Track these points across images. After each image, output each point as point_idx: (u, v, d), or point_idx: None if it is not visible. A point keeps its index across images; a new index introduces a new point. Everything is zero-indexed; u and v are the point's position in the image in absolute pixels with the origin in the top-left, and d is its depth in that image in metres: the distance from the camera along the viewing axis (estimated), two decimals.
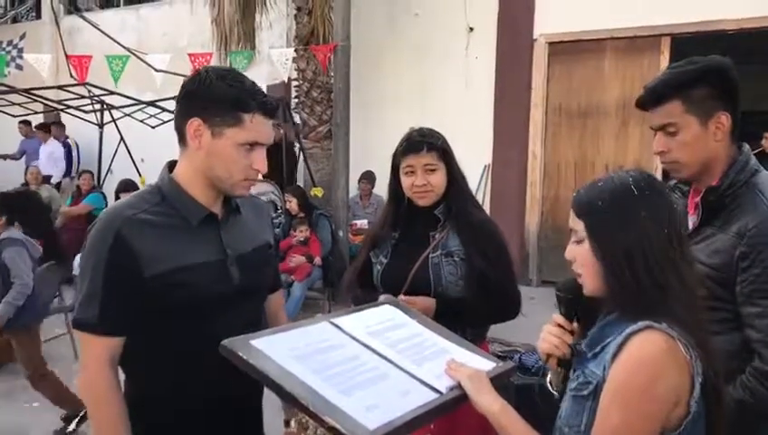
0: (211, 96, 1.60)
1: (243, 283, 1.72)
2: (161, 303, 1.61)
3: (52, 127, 10.89)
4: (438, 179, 2.34)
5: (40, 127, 10.75)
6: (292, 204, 6.72)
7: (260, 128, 1.64)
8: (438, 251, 2.34)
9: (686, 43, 7.14)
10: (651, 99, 1.86)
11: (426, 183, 2.32)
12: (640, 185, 1.39)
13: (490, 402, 1.46)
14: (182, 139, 1.67)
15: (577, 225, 1.43)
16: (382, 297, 2.12)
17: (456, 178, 2.38)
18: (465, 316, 2.26)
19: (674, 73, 1.83)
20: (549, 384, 1.60)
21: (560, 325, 1.55)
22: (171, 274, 1.61)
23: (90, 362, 1.63)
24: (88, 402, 1.65)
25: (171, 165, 1.75)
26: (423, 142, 2.34)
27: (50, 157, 10.47)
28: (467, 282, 2.30)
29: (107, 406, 1.62)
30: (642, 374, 1.29)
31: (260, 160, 1.66)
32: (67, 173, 10.74)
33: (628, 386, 1.30)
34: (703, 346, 1.33)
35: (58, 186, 10.14)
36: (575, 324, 1.56)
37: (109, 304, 1.59)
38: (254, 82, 1.68)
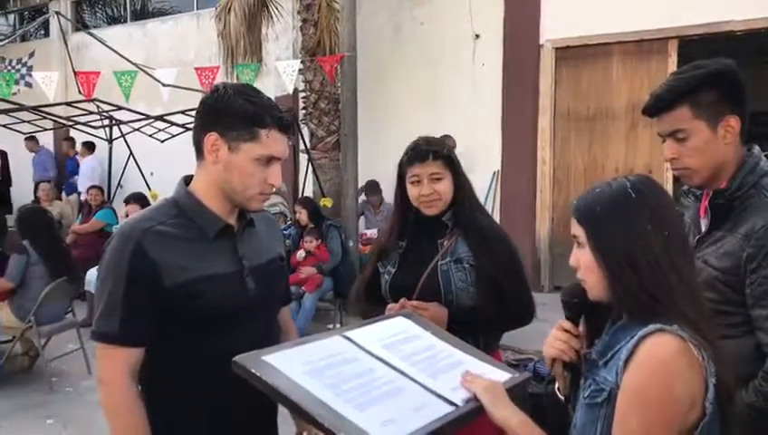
0: (228, 111, 1.64)
1: (258, 294, 1.74)
2: (179, 313, 1.64)
3: (64, 143, 11.05)
4: (445, 188, 2.32)
5: (86, 145, 10.92)
6: (303, 215, 6.72)
7: (276, 143, 1.67)
8: (447, 258, 2.31)
9: (694, 46, 7.11)
10: (658, 106, 1.83)
11: (432, 192, 2.30)
12: (638, 188, 1.39)
13: (508, 416, 1.44)
14: (199, 152, 1.71)
15: (578, 231, 1.44)
16: (398, 303, 2.12)
17: (462, 185, 2.36)
18: (478, 324, 2.24)
19: (680, 79, 1.81)
20: (557, 391, 1.59)
21: (566, 330, 1.55)
22: (190, 284, 1.63)
23: (109, 375, 1.64)
24: (109, 414, 1.65)
25: (187, 179, 1.78)
26: (428, 151, 2.32)
27: (93, 172, 10.59)
28: (479, 288, 2.28)
29: (129, 417, 1.63)
30: (659, 377, 1.28)
31: (275, 175, 1.70)
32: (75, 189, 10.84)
33: (645, 390, 1.28)
34: (713, 347, 1.31)
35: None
36: (581, 329, 1.55)
37: (129, 315, 1.61)
38: (270, 99, 1.72)
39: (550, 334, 1.57)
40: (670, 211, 1.41)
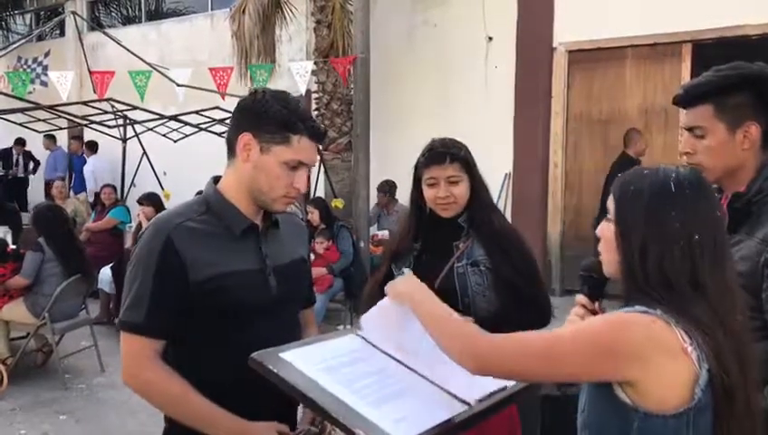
0: (265, 114, 1.70)
1: (280, 293, 1.78)
2: (203, 307, 1.68)
3: (73, 141, 11.18)
4: (462, 191, 2.31)
5: (88, 145, 11.18)
6: (314, 215, 6.74)
7: (305, 150, 1.72)
8: (464, 261, 2.31)
9: (709, 50, 7.09)
10: (685, 99, 1.86)
11: (449, 195, 2.30)
12: (682, 184, 1.33)
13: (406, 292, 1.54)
14: (231, 151, 1.77)
15: (611, 204, 1.41)
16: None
17: (478, 187, 2.36)
18: (503, 330, 2.20)
19: (712, 77, 1.81)
20: None
21: (582, 305, 1.54)
22: (215, 279, 1.68)
23: (135, 362, 1.68)
24: (157, 399, 1.69)
25: (216, 179, 1.85)
26: (446, 154, 2.31)
27: (95, 172, 10.84)
28: (496, 292, 2.27)
29: (171, 390, 1.66)
30: (608, 328, 1.28)
31: (302, 180, 1.74)
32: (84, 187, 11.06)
33: (591, 329, 1.30)
34: (717, 345, 1.27)
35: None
36: (597, 305, 1.54)
37: (156, 306, 1.66)
38: (305, 108, 1.78)
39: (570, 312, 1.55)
40: (709, 215, 1.34)
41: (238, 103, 1.79)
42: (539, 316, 2.32)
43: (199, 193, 1.94)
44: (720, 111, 1.78)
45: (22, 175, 12.36)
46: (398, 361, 1.58)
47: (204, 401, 1.64)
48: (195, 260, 1.67)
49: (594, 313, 1.52)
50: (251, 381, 1.59)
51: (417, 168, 2.39)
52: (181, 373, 1.68)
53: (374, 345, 1.62)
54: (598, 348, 1.27)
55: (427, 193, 2.34)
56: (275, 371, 1.39)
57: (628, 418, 1.29)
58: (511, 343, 1.35)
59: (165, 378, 1.67)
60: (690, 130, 1.84)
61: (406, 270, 2.08)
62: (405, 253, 2.42)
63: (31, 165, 12.50)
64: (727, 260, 1.38)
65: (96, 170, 10.85)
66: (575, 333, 1.32)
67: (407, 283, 1.62)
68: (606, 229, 1.41)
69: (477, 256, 2.31)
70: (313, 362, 1.44)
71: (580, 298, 1.56)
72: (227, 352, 1.68)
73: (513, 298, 2.26)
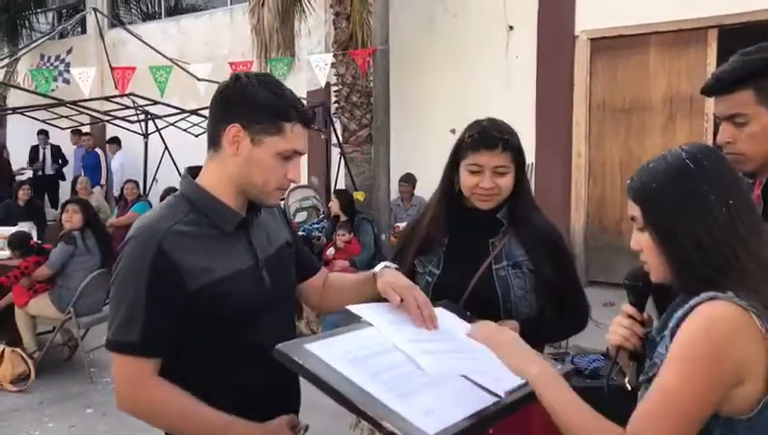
0: (253, 103, 1.57)
1: (273, 286, 1.69)
2: (201, 315, 1.56)
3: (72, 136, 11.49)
4: (508, 183, 2.04)
5: (111, 141, 11.41)
6: (334, 205, 6.74)
7: (299, 138, 1.61)
8: (504, 262, 2.07)
9: (734, 35, 6.94)
10: (720, 86, 1.76)
11: (494, 186, 2.02)
12: (697, 158, 1.30)
13: (524, 363, 1.41)
14: (215, 142, 1.62)
15: (635, 212, 1.35)
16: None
17: (522, 180, 2.09)
18: (544, 335, 2.08)
19: (747, 61, 1.73)
20: (626, 384, 1.50)
21: (630, 316, 1.48)
22: (214, 285, 1.56)
23: (133, 384, 1.55)
24: (164, 420, 1.58)
25: (191, 171, 1.70)
26: (499, 139, 2.02)
27: (121, 167, 11.06)
28: (538, 296, 2.07)
29: (178, 405, 1.54)
30: (706, 335, 1.20)
31: (295, 170, 1.65)
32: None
33: (690, 349, 1.22)
34: None
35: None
36: (646, 315, 1.48)
37: (151, 323, 1.52)
38: (292, 91, 1.66)
39: (613, 322, 1.49)
40: (733, 178, 1.32)
41: (219, 90, 1.63)
42: (580, 321, 2.19)
43: (169, 190, 1.82)
44: (761, 95, 1.70)
45: (51, 172, 12.45)
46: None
47: (213, 411, 1.53)
48: (190, 267, 1.53)
49: (643, 322, 1.48)
50: (256, 382, 1.58)
51: (458, 149, 2.09)
52: (182, 386, 1.55)
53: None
54: (710, 373, 1.20)
55: (467, 180, 2.05)
56: (300, 362, 1.36)
57: (709, 425, 1.25)
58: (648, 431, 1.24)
59: (170, 395, 1.54)
60: (729, 118, 1.75)
61: (484, 323, 1.68)
62: (432, 247, 2.14)
63: (59, 161, 12.61)
64: (761, 221, 1.33)
65: (125, 165, 10.99)
66: (682, 378, 1.22)
67: (517, 350, 1.48)
68: (641, 238, 1.36)
69: (518, 257, 2.08)
70: (339, 354, 1.41)
71: (627, 308, 1.49)
72: (230, 355, 1.60)
73: (555, 302, 2.07)
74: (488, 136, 2.03)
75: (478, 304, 1.97)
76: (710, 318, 1.22)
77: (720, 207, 1.27)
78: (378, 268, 1.81)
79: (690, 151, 1.32)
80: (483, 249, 2.09)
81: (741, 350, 1.20)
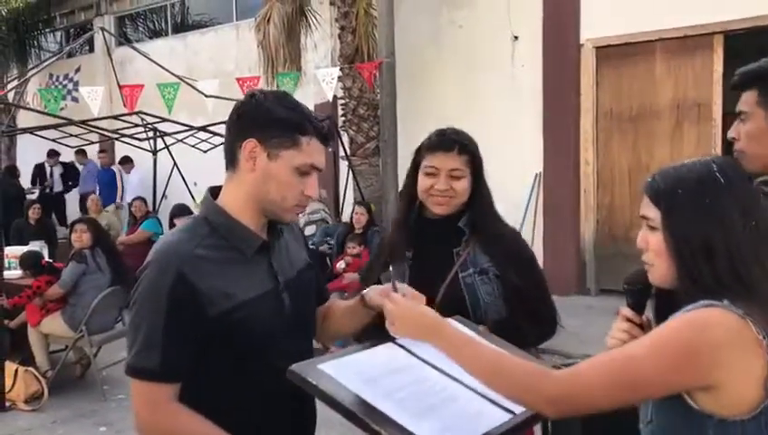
0: (269, 117, 1.56)
1: (294, 310, 1.67)
2: (220, 339, 1.55)
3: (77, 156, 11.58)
4: (464, 187, 2.08)
5: (123, 160, 11.41)
6: (363, 217, 6.69)
7: (316, 152, 1.60)
8: (470, 269, 2.10)
9: (740, 41, 6.94)
10: (737, 83, 1.85)
11: (448, 188, 2.06)
12: (727, 173, 1.30)
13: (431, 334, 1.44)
14: (233, 161, 1.61)
15: (651, 212, 1.34)
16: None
17: (481, 187, 2.14)
18: (509, 339, 1.99)
19: (764, 62, 1.81)
20: None
21: (628, 319, 1.47)
22: (234, 310, 1.54)
23: (153, 410, 1.53)
24: None
25: (213, 191, 1.69)
26: (455, 142, 2.08)
27: (141, 183, 10.98)
28: (506, 301, 2.10)
29: (200, 430, 1.53)
30: (696, 335, 1.20)
31: (312, 186, 1.62)
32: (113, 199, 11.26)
33: (673, 333, 1.23)
34: None
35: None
36: (645, 317, 1.48)
37: (171, 348, 1.50)
38: (308, 108, 1.66)
39: (613, 326, 1.49)
40: (758, 198, 1.32)
41: (235, 109, 1.63)
42: (546, 328, 2.17)
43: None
44: (763, 97, 1.76)
45: (59, 190, 12.54)
46: (438, 368, 1.55)
47: None
48: (210, 292, 1.51)
49: (642, 326, 1.47)
50: (274, 407, 1.58)
51: (419, 151, 2.15)
52: (199, 410, 1.53)
53: (413, 353, 1.59)
54: (681, 356, 1.20)
55: (423, 182, 2.09)
56: (314, 382, 1.37)
57: (702, 426, 1.24)
58: (585, 378, 1.26)
59: (190, 421, 1.52)
60: (738, 115, 1.83)
61: (401, 286, 1.71)
62: (398, 262, 2.12)
63: (69, 183, 12.67)
64: None
65: (144, 180, 10.94)
66: (651, 349, 1.23)
67: (413, 314, 1.51)
68: (652, 238, 1.35)
69: (483, 264, 2.10)
70: (353, 374, 1.41)
71: (626, 311, 1.49)
72: (248, 379, 1.58)
73: (521, 305, 2.09)
74: (445, 139, 2.11)
75: (448, 313, 1.92)
76: (706, 321, 1.22)
77: (743, 225, 1.26)
78: (363, 292, 1.80)
79: (720, 165, 1.32)
80: (447, 260, 2.11)
81: (729, 358, 1.20)
